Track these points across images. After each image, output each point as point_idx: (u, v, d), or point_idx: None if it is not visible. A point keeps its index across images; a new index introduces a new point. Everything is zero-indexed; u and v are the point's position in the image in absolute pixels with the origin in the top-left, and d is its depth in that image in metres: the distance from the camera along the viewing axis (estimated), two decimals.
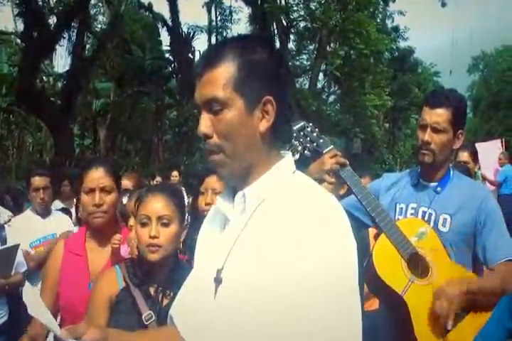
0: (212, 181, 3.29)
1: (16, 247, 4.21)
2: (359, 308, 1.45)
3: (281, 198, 1.52)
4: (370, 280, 2.76)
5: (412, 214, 2.94)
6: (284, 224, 1.44)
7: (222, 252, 1.57)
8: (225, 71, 1.50)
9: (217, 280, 1.56)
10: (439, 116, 2.85)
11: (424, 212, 2.91)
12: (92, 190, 2.81)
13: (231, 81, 1.50)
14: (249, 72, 1.51)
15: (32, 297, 1.66)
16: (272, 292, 1.39)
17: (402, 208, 2.99)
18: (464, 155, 5.36)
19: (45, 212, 5.07)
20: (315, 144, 2.77)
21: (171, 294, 2.36)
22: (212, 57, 1.54)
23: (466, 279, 2.71)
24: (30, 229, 4.91)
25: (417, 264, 2.68)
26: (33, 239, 4.89)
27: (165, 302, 2.38)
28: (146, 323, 2.32)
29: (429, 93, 3.23)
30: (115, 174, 2.93)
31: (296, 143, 2.75)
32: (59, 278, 2.84)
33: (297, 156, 2.75)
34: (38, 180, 4.92)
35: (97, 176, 2.83)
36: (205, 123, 1.53)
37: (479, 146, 6.11)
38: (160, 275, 2.45)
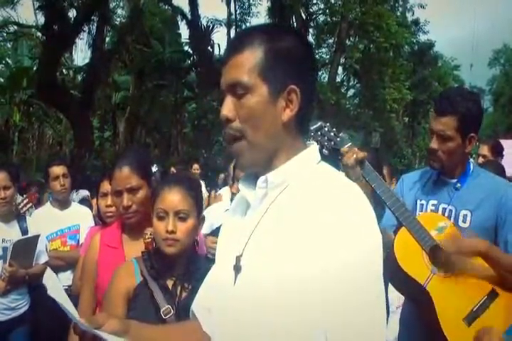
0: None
1: (36, 237, 4.23)
2: (383, 295, 1.45)
3: (305, 185, 1.50)
4: (391, 273, 2.76)
5: (432, 210, 2.93)
6: (307, 211, 1.42)
7: (242, 239, 1.56)
8: (251, 56, 1.48)
9: (237, 268, 1.54)
10: (444, 124, 2.80)
11: (444, 209, 2.90)
12: (119, 192, 2.78)
13: (256, 66, 1.48)
14: (276, 59, 1.49)
15: (52, 281, 1.67)
16: (292, 279, 1.38)
17: (422, 204, 2.98)
18: (484, 149, 5.30)
19: (63, 204, 5.09)
20: (333, 143, 2.76)
21: (189, 287, 2.33)
22: (239, 42, 1.53)
23: (490, 245, 2.65)
24: (49, 222, 4.94)
25: (438, 257, 2.67)
26: (50, 231, 4.93)
27: (183, 295, 2.36)
28: (165, 317, 2.29)
29: (437, 97, 3.06)
30: (142, 169, 2.84)
31: (314, 142, 2.75)
32: (97, 271, 2.83)
33: None
34: (56, 169, 4.93)
35: (123, 176, 2.77)
36: (228, 107, 1.52)
37: (505, 143, 5.98)
38: (177, 268, 2.42)
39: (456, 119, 2.79)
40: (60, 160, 5.26)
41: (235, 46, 1.53)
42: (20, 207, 5.20)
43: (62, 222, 5.00)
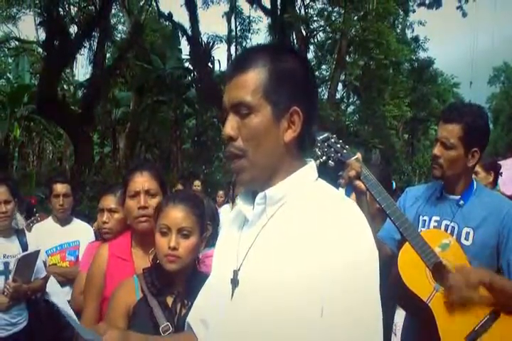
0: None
1: (36, 253, 4.24)
2: (379, 306, 1.45)
3: (302, 202, 1.52)
4: (394, 289, 2.75)
5: (434, 226, 2.93)
6: (304, 227, 1.45)
7: (239, 253, 1.57)
8: (256, 76, 1.50)
9: (234, 282, 1.55)
10: (448, 131, 2.83)
11: (446, 225, 2.89)
12: (136, 194, 2.80)
13: (261, 87, 1.49)
14: (280, 80, 1.50)
15: (55, 290, 1.67)
16: (289, 293, 1.40)
17: (425, 220, 2.98)
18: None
19: (64, 220, 5.09)
20: (339, 154, 2.76)
21: (189, 304, 2.31)
22: (244, 61, 1.54)
23: (493, 274, 2.69)
24: (49, 237, 4.93)
25: (442, 273, 2.66)
26: (50, 246, 4.92)
27: (183, 312, 2.35)
28: (164, 335, 2.28)
29: (447, 106, 3.18)
30: (160, 178, 2.90)
31: (320, 153, 2.74)
32: (104, 282, 2.81)
33: (317, 162, 2.74)
34: (59, 187, 4.96)
35: (142, 180, 2.82)
36: (231, 126, 1.53)
37: (503, 164, 5.96)
38: (178, 285, 2.42)
39: (460, 128, 2.81)
40: (64, 178, 5.26)
41: (240, 65, 1.54)
42: (31, 224, 5.21)
43: (62, 237, 5.00)
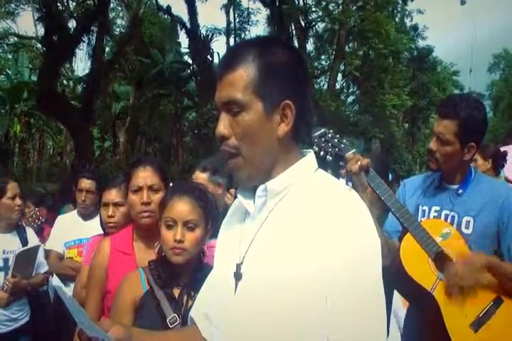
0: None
1: (36, 248, 4.25)
2: (383, 302, 1.45)
3: (303, 193, 1.51)
4: (397, 279, 2.75)
5: (434, 216, 2.92)
6: (306, 220, 1.44)
7: (242, 246, 1.57)
8: (245, 73, 1.48)
9: (237, 276, 1.55)
10: (444, 127, 2.81)
11: (446, 215, 2.89)
12: (139, 189, 2.79)
13: (251, 83, 1.48)
14: (269, 75, 1.48)
15: (60, 285, 1.66)
16: (293, 286, 1.39)
17: (424, 210, 2.97)
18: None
19: (87, 215, 5.05)
20: (337, 149, 2.75)
21: (196, 295, 2.30)
22: (233, 58, 1.52)
23: (494, 257, 2.69)
24: (70, 229, 4.92)
25: (444, 263, 2.66)
26: (69, 239, 4.91)
27: (189, 303, 2.34)
28: (171, 326, 2.29)
29: (444, 99, 3.12)
30: (163, 173, 2.90)
31: (317, 149, 2.73)
32: (106, 276, 2.81)
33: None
34: (83, 182, 4.91)
35: (145, 175, 2.82)
36: (224, 124, 1.52)
37: (508, 150, 5.91)
38: (184, 277, 2.43)
39: (456, 124, 2.78)
40: (92, 175, 5.16)
41: (228, 63, 1.52)
42: (31, 218, 5.20)
43: (82, 231, 4.93)
